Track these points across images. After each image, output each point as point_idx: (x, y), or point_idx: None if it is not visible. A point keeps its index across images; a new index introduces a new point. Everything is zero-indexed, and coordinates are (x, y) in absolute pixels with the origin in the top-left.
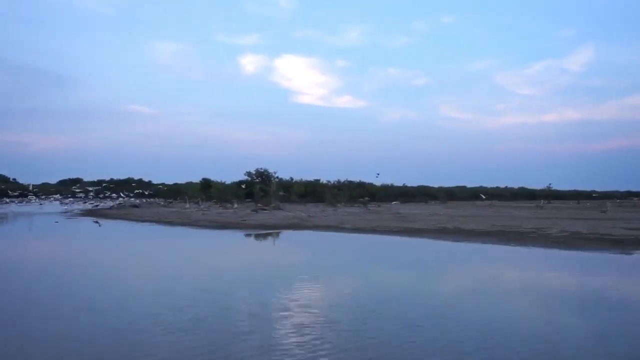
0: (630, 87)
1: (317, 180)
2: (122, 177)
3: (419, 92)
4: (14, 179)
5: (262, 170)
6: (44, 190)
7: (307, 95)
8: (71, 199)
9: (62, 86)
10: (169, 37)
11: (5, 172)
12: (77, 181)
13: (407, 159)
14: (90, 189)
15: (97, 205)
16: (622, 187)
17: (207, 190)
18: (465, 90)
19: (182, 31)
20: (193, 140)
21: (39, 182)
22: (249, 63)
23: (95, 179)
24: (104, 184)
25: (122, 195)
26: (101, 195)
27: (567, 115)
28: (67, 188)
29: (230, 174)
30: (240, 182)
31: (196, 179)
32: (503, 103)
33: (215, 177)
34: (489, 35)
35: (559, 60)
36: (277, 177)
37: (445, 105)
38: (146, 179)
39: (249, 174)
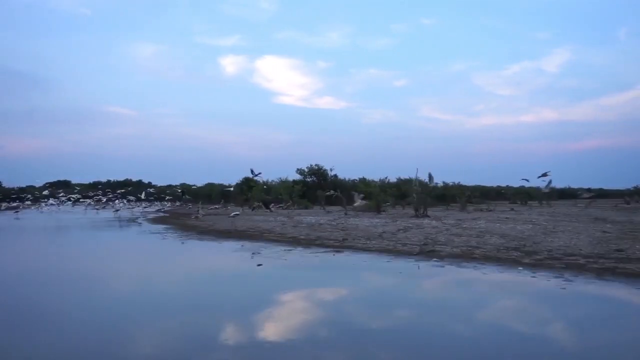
0: (605, 87)
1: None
2: (104, 178)
3: (400, 93)
4: None
5: (316, 167)
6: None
7: (289, 96)
8: (90, 202)
9: (38, 88)
10: (148, 38)
11: None
12: (65, 184)
13: (389, 160)
14: (109, 191)
15: (160, 210)
16: (595, 185)
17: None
18: (444, 91)
19: (161, 32)
20: (173, 142)
21: (22, 185)
22: (230, 64)
23: (79, 181)
24: (103, 188)
25: (141, 197)
26: (130, 199)
27: (544, 115)
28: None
29: (212, 176)
30: (295, 182)
31: (177, 181)
32: (482, 104)
33: (196, 179)
34: (467, 37)
35: (536, 62)
36: (335, 175)
37: (426, 106)
38: (134, 180)
39: (300, 171)
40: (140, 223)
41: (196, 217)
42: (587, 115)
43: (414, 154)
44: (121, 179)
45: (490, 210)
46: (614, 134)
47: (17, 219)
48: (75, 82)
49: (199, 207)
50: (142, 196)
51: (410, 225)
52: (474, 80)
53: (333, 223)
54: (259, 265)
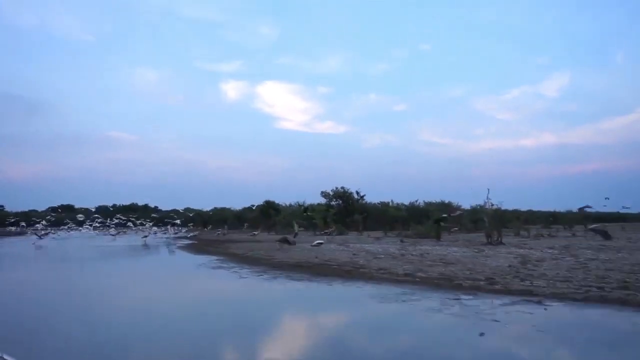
0: (604, 112)
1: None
2: (107, 203)
3: (399, 118)
4: (1, 206)
5: (342, 190)
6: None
7: (290, 121)
8: (100, 227)
9: (39, 113)
10: (149, 64)
11: None
12: (69, 208)
13: (389, 183)
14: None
15: (193, 235)
16: (596, 208)
17: (268, 216)
18: (444, 116)
19: (162, 58)
20: (175, 166)
21: (25, 209)
22: (231, 89)
23: (82, 205)
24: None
25: (142, 223)
26: (145, 224)
27: (544, 138)
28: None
29: (215, 200)
30: (328, 206)
31: (181, 205)
32: (481, 128)
33: (199, 204)
34: (466, 62)
35: (534, 86)
36: (363, 197)
37: (425, 130)
38: (140, 205)
39: (325, 194)
40: (174, 251)
41: (220, 235)
42: (586, 138)
43: (413, 177)
44: (126, 203)
45: (552, 236)
46: (613, 157)
47: (39, 247)
48: (76, 107)
49: (225, 232)
50: (178, 222)
51: (501, 253)
52: (473, 104)
53: (402, 251)
54: (481, 334)
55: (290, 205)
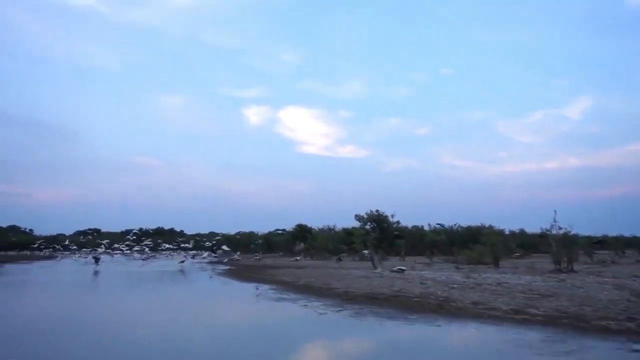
0: (630, 135)
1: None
2: (134, 227)
3: (421, 141)
4: (30, 230)
5: (377, 214)
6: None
7: (311, 145)
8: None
9: (68, 139)
10: (174, 91)
11: (18, 224)
12: (96, 232)
13: (410, 207)
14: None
15: (225, 260)
16: (626, 232)
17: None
18: (466, 139)
19: (187, 85)
20: (199, 191)
21: (53, 233)
22: (254, 115)
23: (109, 229)
24: (132, 236)
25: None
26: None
27: (568, 162)
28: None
29: (238, 225)
30: (368, 230)
31: (205, 229)
32: (504, 151)
33: (222, 228)
34: (487, 86)
35: (558, 109)
36: (398, 221)
37: (447, 154)
38: (166, 229)
39: (359, 218)
40: (215, 277)
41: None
42: (612, 161)
43: (436, 200)
44: (152, 227)
45: (615, 263)
46: None
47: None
48: (102, 134)
49: (260, 256)
50: (225, 247)
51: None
52: (495, 127)
53: (471, 280)
54: None
55: (322, 228)
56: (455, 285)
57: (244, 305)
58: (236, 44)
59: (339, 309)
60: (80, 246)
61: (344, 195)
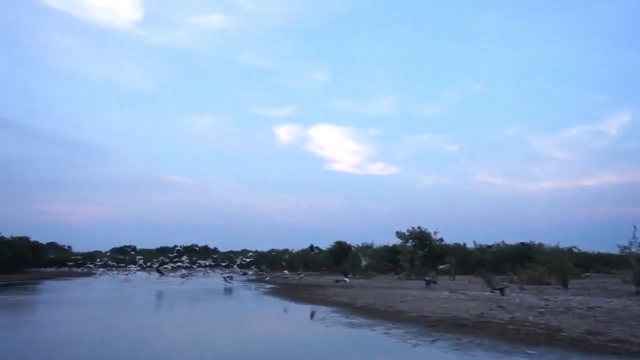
0: None
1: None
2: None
3: (452, 158)
4: (69, 247)
5: (419, 231)
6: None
7: (341, 163)
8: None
9: (102, 158)
10: (206, 110)
11: (57, 241)
12: (131, 249)
13: (445, 224)
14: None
15: (267, 279)
16: None
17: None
18: (499, 155)
19: (219, 105)
20: (230, 208)
21: (90, 250)
22: (284, 133)
23: (144, 247)
24: (175, 253)
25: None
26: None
27: (606, 178)
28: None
29: (267, 242)
30: (415, 248)
31: (237, 247)
32: (539, 167)
33: (253, 245)
34: (520, 101)
35: (594, 125)
36: (441, 238)
37: (480, 171)
38: (200, 246)
39: (400, 234)
40: (262, 296)
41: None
42: None
43: (469, 217)
44: (186, 244)
45: None
46: None
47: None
48: (136, 152)
49: (302, 275)
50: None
51: None
52: (529, 143)
53: (553, 303)
54: None
55: (360, 246)
56: (542, 309)
57: (319, 331)
58: (267, 64)
59: (430, 338)
60: (118, 262)
61: (375, 212)
